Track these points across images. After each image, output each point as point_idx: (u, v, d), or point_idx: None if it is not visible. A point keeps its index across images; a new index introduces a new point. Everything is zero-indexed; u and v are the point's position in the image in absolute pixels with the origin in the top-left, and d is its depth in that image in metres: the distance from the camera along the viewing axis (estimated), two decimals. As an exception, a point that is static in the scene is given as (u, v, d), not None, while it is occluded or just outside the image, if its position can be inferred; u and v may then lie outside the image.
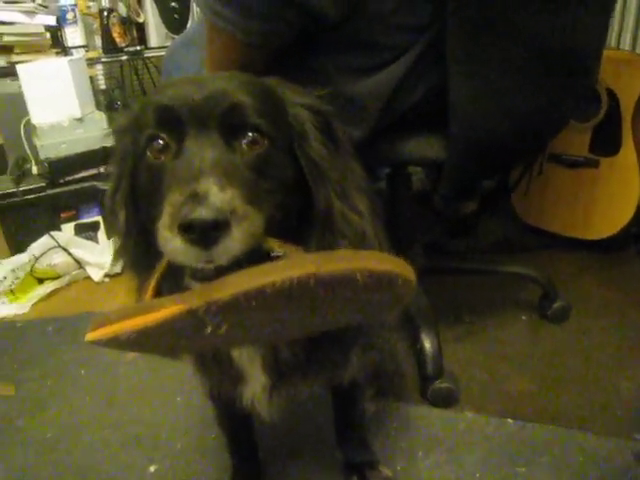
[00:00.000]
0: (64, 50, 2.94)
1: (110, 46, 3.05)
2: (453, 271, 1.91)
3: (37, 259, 2.13)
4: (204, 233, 0.54)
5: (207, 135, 0.64)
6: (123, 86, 3.43)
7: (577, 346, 1.54)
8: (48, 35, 2.82)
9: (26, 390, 1.55)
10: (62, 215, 2.29)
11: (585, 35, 1.15)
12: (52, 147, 2.30)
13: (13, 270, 2.10)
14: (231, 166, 0.62)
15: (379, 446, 1.22)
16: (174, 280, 0.66)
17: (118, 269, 2.17)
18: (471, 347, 1.56)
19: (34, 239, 2.17)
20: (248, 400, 0.88)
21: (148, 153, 0.67)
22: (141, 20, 3.10)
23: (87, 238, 2.29)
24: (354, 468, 1.15)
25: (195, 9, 2.98)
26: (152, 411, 1.41)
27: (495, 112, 1.16)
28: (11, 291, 2.07)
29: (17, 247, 2.23)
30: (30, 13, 2.66)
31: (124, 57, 3.13)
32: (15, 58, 2.69)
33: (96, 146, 2.36)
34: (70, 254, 2.17)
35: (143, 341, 0.60)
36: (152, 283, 0.68)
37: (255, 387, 0.86)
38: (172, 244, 0.56)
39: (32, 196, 2.24)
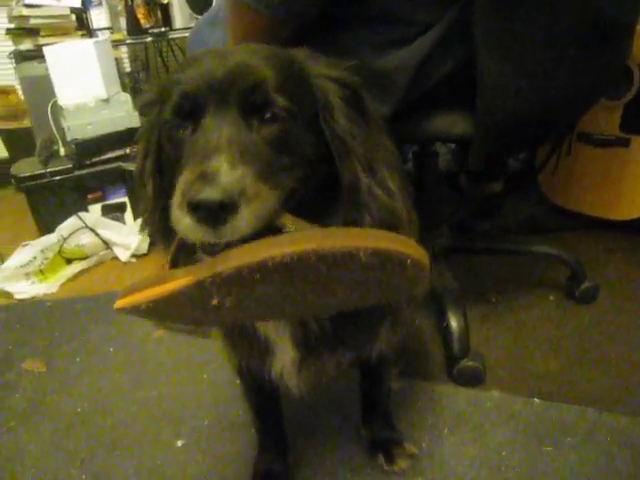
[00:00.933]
0: (89, 32, 2.96)
1: (135, 28, 3.06)
2: (480, 251, 1.90)
3: (65, 240, 2.17)
4: (212, 213, 0.55)
5: (226, 112, 0.64)
6: (147, 68, 3.43)
7: (605, 327, 1.52)
8: (73, 17, 2.86)
9: (56, 367, 1.58)
10: (89, 196, 2.32)
11: (618, 7, 1.12)
12: (78, 128, 2.32)
13: (42, 250, 2.14)
14: (247, 143, 0.62)
15: (405, 424, 1.23)
16: (188, 253, 0.68)
17: (145, 249, 2.20)
18: (498, 327, 1.55)
19: (62, 220, 2.21)
20: (277, 374, 0.89)
21: (171, 128, 0.68)
22: (165, 1, 3.09)
23: (114, 219, 2.32)
24: (379, 445, 1.16)
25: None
26: (179, 388, 1.43)
27: (526, 89, 1.13)
28: (40, 271, 2.11)
29: (46, 228, 2.28)
30: (56, -5, 2.69)
31: (149, 39, 3.13)
32: (42, 41, 2.72)
33: (122, 127, 2.39)
34: (97, 235, 2.20)
35: (160, 310, 0.63)
36: (170, 255, 0.70)
37: (284, 361, 0.86)
38: (182, 222, 0.58)
39: (59, 177, 2.28)
